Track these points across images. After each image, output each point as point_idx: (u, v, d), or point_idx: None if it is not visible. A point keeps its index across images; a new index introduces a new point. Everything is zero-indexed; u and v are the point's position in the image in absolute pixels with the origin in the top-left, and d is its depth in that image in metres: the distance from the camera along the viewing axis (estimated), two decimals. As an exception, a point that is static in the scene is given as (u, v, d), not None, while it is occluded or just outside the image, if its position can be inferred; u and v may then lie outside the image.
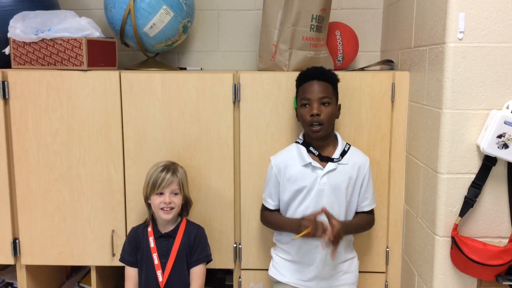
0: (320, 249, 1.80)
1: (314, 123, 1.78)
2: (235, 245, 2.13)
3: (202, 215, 2.10)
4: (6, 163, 2.10)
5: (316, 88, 1.80)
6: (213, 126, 2.06)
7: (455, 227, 1.64)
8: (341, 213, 1.83)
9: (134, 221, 2.10)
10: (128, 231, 2.08)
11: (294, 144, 1.92)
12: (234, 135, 2.07)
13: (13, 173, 2.11)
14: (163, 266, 1.88)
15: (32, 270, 2.22)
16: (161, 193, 1.86)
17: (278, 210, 1.93)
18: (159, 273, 1.87)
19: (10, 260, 2.16)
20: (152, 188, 1.86)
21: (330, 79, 1.85)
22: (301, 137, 1.91)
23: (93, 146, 2.08)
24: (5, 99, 2.06)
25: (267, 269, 2.04)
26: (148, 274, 1.89)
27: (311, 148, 1.85)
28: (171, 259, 1.88)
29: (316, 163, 1.82)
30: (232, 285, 2.43)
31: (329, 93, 1.83)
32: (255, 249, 2.12)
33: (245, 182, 2.09)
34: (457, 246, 1.61)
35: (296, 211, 1.84)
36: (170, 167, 1.89)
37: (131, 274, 1.93)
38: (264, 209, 1.96)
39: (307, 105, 1.81)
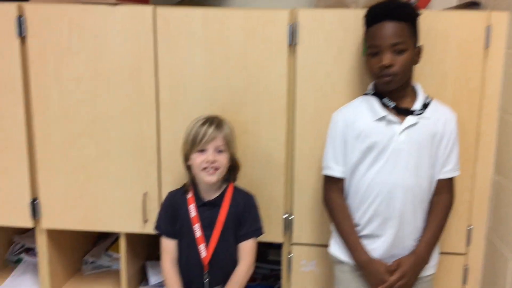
0: (396, 222, 1.50)
1: (385, 75, 1.44)
2: (285, 216, 1.83)
3: (247, 180, 1.79)
4: (24, 113, 1.83)
5: (387, 32, 1.44)
6: (264, 75, 1.73)
7: None
8: (423, 180, 1.50)
9: (170, 183, 1.82)
10: (163, 194, 1.81)
11: (362, 97, 1.59)
12: (288, 86, 1.74)
13: (32, 124, 1.84)
14: (206, 239, 1.60)
15: (54, 235, 1.99)
16: (203, 150, 1.56)
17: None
18: (202, 247, 1.59)
19: (28, 223, 1.92)
20: (192, 144, 1.56)
21: (406, 16, 1.47)
22: (371, 87, 1.57)
23: (123, 95, 1.78)
24: (22, 38, 1.78)
25: (323, 245, 1.76)
26: (189, 248, 1.62)
27: (385, 100, 1.51)
28: (216, 231, 1.59)
29: (392, 117, 1.48)
30: (276, 261, 2.19)
31: (405, 36, 1.46)
32: (309, 221, 1.82)
33: (300, 142, 1.77)
34: None
35: (364, 177, 1.52)
36: (214, 120, 1.59)
37: (169, 247, 1.66)
38: (329, 182, 1.62)
39: (376, 54, 1.46)
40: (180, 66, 1.75)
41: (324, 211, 1.68)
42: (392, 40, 1.44)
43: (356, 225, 1.55)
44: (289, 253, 1.86)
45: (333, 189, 1.60)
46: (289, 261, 1.86)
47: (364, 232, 1.54)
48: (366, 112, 1.53)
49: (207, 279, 1.61)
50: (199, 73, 1.75)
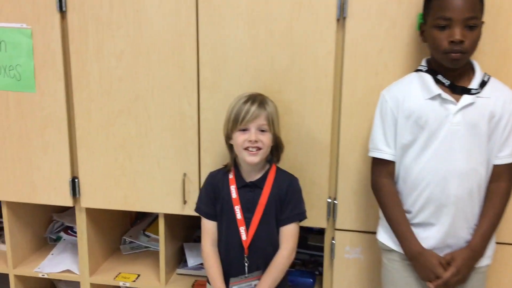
0: (452, 209, 1.39)
1: (455, 51, 1.33)
2: (329, 200, 1.74)
3: (291, 161, 1.72)
4: (64, 89, 1.81)
5: (461, 4, 1.32)
6: (309, 51, 1.64)
7: None
8: (480, 165, 1.40)
9: (209, 164, 1.77)
10: (202, 175, 1.76)
11: (414, 74, 1.47)
12: (335, 63, 1.64)
13: (72, 102, 1.81)
14: (247, 222, 1.54)
15: (93, 213, 1.97)
16: (245, 129, 1.49)
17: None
18: (242, 230, 1.54)
19: (68, 202, 1.91)
20: (234, 122, 1.50)
21: None
22: (424, 63, 1.46)
23: (163, 72, 1.73)
24: (62, 13, 1.75)
25: (369, 232, 1.69)
26: (230, 230, 1.56)
27: (439, 77, 1.40)
28: (257, 214, 1.53)
29: (447, 95, 1.38)
30: (316, 246, 2.12)
31: (477, 10, 1.35)
32: (355, 206, 1.73)
33: (347, 122, 1.67)
34: None
35: (415, 161, 1.42)
36: (257, 98, 1.52)
37: (209, 228, 1.60)
38: (378, 165, 1.51)
39: (445, 27, 1.34)
40: (222, 41, 1.68)
41: (371, 196, 1.59)
42: (467, 14, 1.32)
43: (408, 212, 1.46)
44: (332, 239, 1.78)
45: (382, 173, 1.50)
46: (332, 247, 1.78)
47: (416, 220, 1.44)
48: (418, 89, 1.42)
49: (247, 263, 1.56)
50: (241, 49, 1.67)
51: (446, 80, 1.40)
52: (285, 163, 1.68)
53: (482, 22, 1.38)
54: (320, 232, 2.05)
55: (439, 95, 1.38)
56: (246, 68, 1.69)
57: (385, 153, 1.48)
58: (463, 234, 1.42)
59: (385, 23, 1.58)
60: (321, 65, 1.64)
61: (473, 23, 1.33)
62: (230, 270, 1.58)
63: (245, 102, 1.50)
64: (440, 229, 1.41)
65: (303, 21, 1.62)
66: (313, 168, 1.72)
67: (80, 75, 1.78)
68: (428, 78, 1.42)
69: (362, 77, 1.63)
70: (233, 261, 1.58)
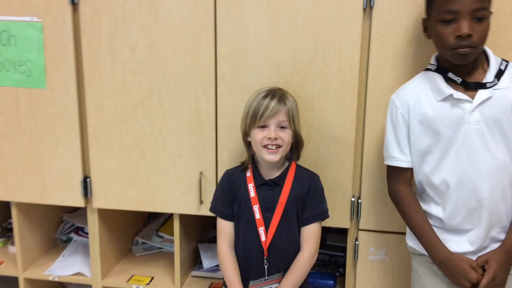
0: (486, 212, 1.31)
1: (462, 46, 1.24)
2: (353, 199, 1.67)
3: (313, 159, 1.64)
4: (76, 85, 1.73)
5: None
6: (334, 43, 1.56)
7: None
8: (510, 160, 1.30)
9: (226, 162, 1.70)
10: (219, 174, 1.69)
11: (422, 73, 1.39)
12: (361, 55, 1.56)
13: (84, 98, 1.74)
14: (266, 222, 1.47)
15: (105, 214, 1.90)
16: (264, 126, 1.42)
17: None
18: (261, 230, 1.46)
19: (80, 202, 1.83)
20: (253, 119, 1.43)
21: None
22: (433, 61, 1.38)
23: (180, 66, 1.66)
24: (74, 5, 1.68)
25: (394, 232, 1.62)
26: (248, 231, 1.49)
27: (450, 75, 1.31)
28: (277, 213, 1.46)
29: (460, 94, 1.29)
30: (335, 246, 2.06)
31: (486, 0, 1.26)
32: (379, 206, 1.65)
33: (372, 119, 1.60)
34: None
35: (437, 167, 1.34)
36: (277, 93, 1.45)
37: (226, 229, 1.53)
38: (394, 173, 1.43)
39: (451, 21, 1.25)
40: (242, 33, 1.60)
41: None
42: (474, 5, 1.23)
43: (440, 219, 1.37)
44: (356, 239, 1.70)
45: (399, 181, 1.43)
46: (356, 248, 1.70)
47: (448, 227, 1.36)
48: (428, 91, 1.34)
49: (266, 266, 1.49)
50: (262, 41, 1.59)
51: (458, 78, 1.30)
52: (306, 161, 1.61)
53: (491, 13, 1.28)
54: (340, 231, 1.98)
55: (451, 95, 1.29)
56: (267, 62, 1.61)
57: (401, 161, 1.40)
58: (497, 233, 1.34)
59: (415, 12, 1.50)
60: (345, 58, 1.56)
61: (482, 14, 1.24)
62: (248, 273, 1.51)
63: (264, 97, 1.43)
64: (475, 233, 1.33)
65: (327, 11, 1.54)
66: (336, 166, 1.65)
67: (92, 70, 1.71)
68: (438, 78, 1.33)
69: (390, 70, 1.55)
70: (252, 263, 1.50)
